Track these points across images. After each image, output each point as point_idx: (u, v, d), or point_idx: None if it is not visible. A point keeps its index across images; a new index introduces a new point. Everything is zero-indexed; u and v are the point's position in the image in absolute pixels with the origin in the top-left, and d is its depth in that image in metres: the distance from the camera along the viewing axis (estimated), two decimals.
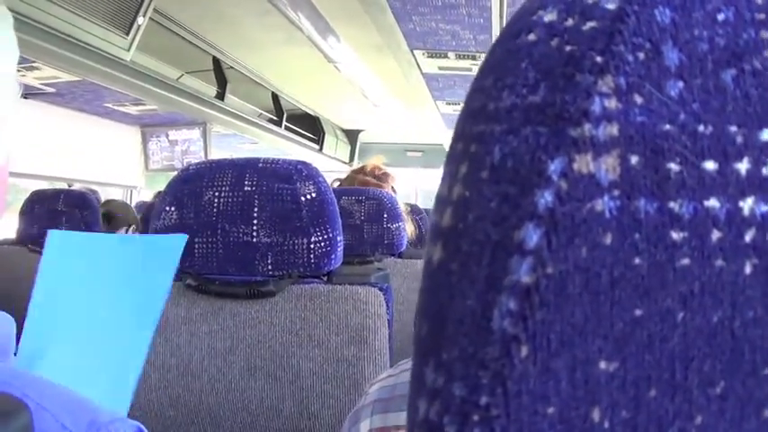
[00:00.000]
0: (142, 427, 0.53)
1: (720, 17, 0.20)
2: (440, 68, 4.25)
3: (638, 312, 0.18)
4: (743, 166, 0.19)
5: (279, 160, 1.24)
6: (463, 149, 0.21)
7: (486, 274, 0.19)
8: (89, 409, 0.49)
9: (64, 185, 4.11)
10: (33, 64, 2.80)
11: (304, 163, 1.25)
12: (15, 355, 0.61)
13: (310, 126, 6.59)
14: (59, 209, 2.41)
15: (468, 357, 0.19)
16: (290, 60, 4.63)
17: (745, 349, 0.19)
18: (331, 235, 1.21)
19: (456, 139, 0.22)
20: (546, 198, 0.19)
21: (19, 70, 2.40)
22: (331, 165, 7.11)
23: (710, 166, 0.19)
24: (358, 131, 7.64)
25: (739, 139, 0.19)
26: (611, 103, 0.19)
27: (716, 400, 0.19)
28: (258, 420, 1.20)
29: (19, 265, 2.45)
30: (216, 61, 4.46)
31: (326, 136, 6.83)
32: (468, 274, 0.20)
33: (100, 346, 0.70)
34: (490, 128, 0.21)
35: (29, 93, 3.46)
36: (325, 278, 1.26)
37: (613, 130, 0.19)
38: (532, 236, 0.19)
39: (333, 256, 1.23)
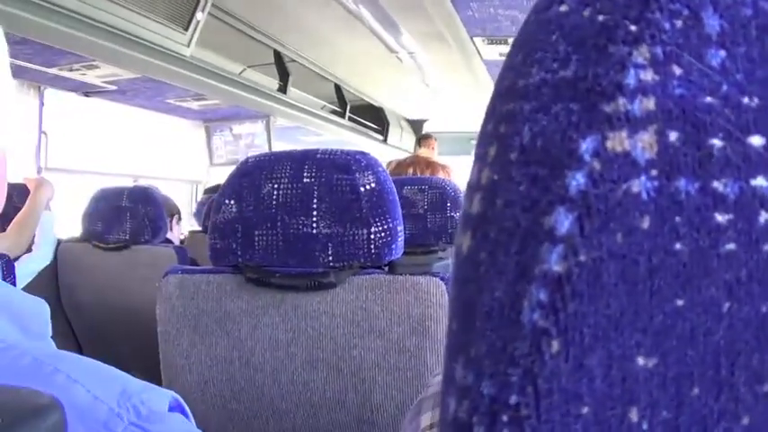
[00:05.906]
0: (177, 396, 0.53)
1: None
2: (500, 55, 4.18)
3: (679, 303, 0.17)
4: None
5: (337, 151, 1.23)
6: (493, 130, 0.20)
7: (515, 263, 0.18)
8: (120, 380, 0.50)
9: (130, 182, 4.19)
10: (93, 62, 2.84)
11: (363, 153, 1.24)
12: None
13: (374, 117, 6.60)
14: (123, 205, 2.44)
15: (497, 353, 0.18)
16: (351, 52, 4.64)
17: None
18: (391, 225, 1.20)
19: (486, 120, 0.21)
20: (578, 180, 0.17)
21: (79, 69, 2.43)
22: (396, 155, 7.12)
23: (757, 141, 0.17)
24: (422, 121, 7.63)
25: None
26: (648, 75, 0.17)
27: (764, 399, 0.17)
28: (321, 412, 1.20)
29: (83, 261, 2.50)
30: (277, 54, 4.49)
31: (390, 126, 6.83)
32: (496, 263, 0.18)
33: None
34: (519, 106, 0.19)
35: (90, 91, 3.52)
36: (387, 268, 1.25)
37: (650, 104, 0.17)
38: (563, 221, 0.17)
39: (393, 246, 1.22)
